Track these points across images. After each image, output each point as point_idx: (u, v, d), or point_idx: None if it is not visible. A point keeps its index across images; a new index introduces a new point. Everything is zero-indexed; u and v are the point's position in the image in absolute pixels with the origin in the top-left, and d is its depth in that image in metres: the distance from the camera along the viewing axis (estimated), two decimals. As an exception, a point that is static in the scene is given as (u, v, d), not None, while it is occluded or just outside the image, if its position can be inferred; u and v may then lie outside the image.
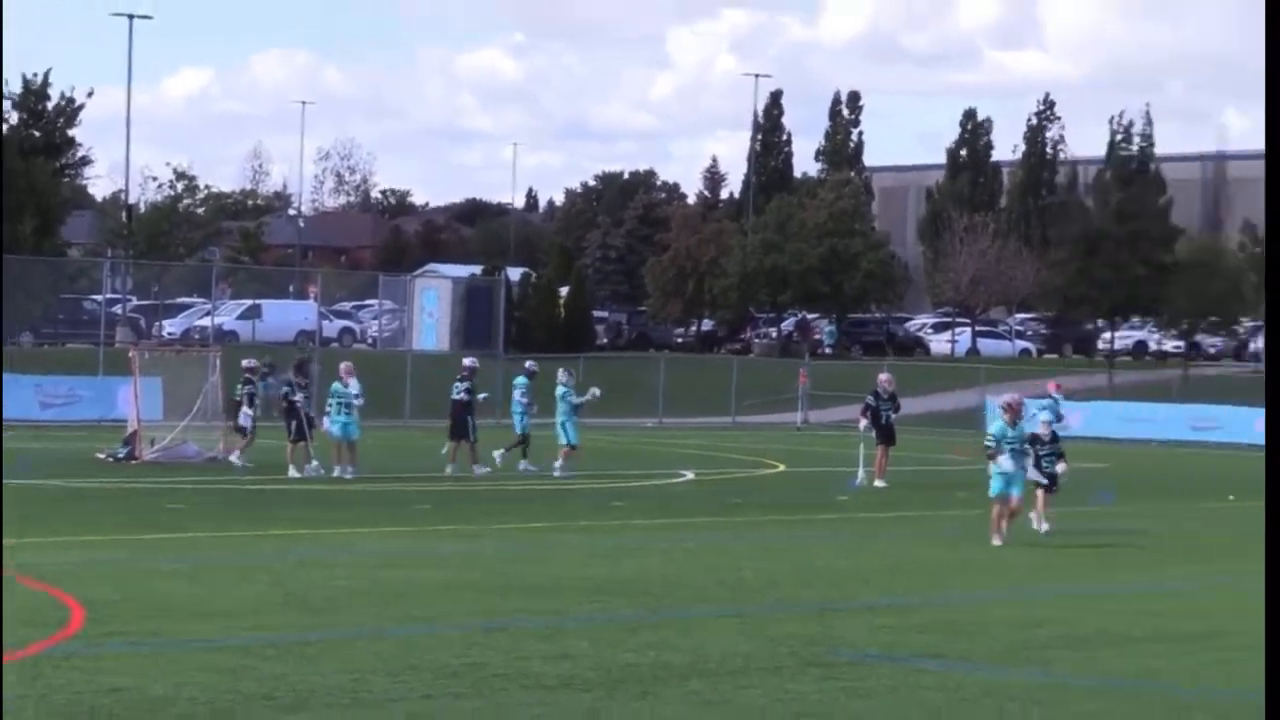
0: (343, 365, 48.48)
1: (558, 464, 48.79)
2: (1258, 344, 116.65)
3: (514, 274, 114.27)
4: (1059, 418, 49.15)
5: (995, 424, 34.18)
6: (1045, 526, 35.55)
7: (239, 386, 49.55)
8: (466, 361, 52.02)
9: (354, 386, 46.67)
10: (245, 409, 48.99)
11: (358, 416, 46.51)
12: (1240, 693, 20.24)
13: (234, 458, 48.59)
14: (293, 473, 46.60)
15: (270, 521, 36.45)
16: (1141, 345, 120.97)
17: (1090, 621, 25.71)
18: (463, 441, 49.19)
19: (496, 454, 49.85)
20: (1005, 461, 33.17)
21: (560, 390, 49.35)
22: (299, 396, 47.73)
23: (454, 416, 49.84)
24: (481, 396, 50.81)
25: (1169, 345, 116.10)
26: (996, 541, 33.56)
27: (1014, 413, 33.91)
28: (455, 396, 49.92)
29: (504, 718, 17.63)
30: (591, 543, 34.46)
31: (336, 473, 46.04)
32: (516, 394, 51.34)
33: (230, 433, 50.06)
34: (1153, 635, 24.60)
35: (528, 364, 53.95)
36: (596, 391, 50.90)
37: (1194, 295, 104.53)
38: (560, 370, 51.32)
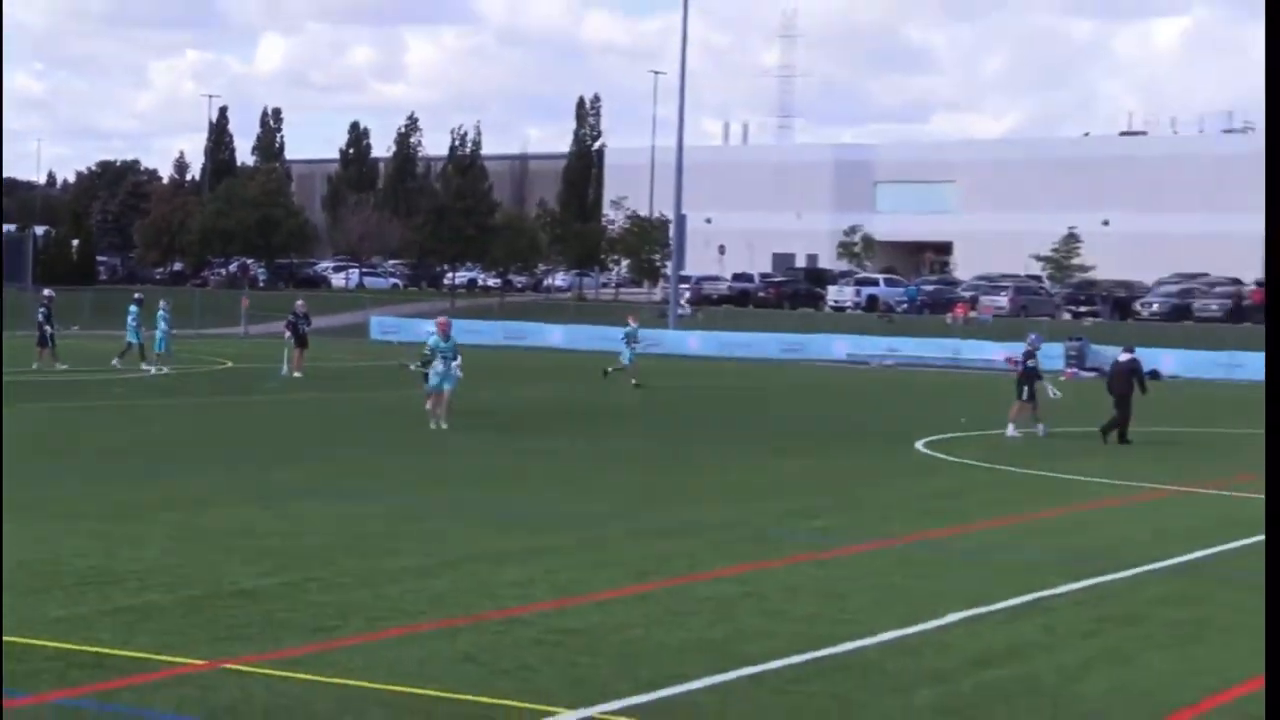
0: None
1: (152, 368, 47.31)
2: (548, 281, 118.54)
3: (40, 231, 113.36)
4: (633, 339, 49.44)
5: (432, 338, 32.65)
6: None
7: None
8: (46, 292, 51.13)
9: None
10: None
11: None
12: (482, 516, 20.47)
13: None
14: None
15: None
16: (473, 281, 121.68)
17: (433, 469, 25.82)
18: (45, 349, 47.26)
19: (115, 361, 48.13)
20: (439, 365, 32.16)
21: (160, 313, 48.27)
22: None
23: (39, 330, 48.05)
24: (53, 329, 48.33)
25: (491, 281, 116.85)
26: (432, 425, 31.67)
27: (445, 329, 33.00)
28: (39, 320, 47.95)
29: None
30: (93, 418, 33.40)
31: None
32: (130, 318, 49.43)
33: None
34: (464, 476, 24.77)
35: (136, 295, 52.25)
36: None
37: (507, 248, 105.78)
38: (161, 300, 50.24)
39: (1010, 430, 34.77)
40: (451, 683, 11.42)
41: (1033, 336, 38.57)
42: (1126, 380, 33.82)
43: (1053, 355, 66.32)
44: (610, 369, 49.37)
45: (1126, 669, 12.70)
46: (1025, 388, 35.46)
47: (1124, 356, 34.67)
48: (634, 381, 47.92)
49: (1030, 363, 36.02)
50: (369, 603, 14.23)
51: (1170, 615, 15.01)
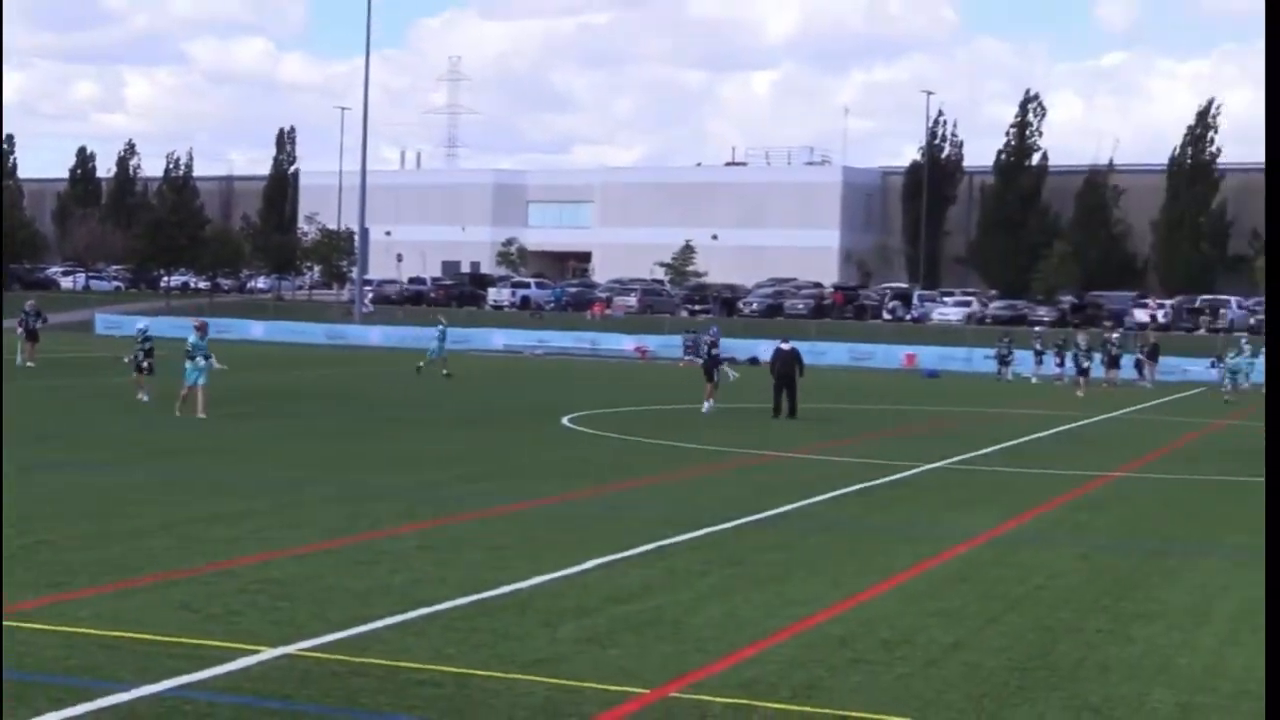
0: None
1: None
2: (251, 284, 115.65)
3: None
4: (443, 337, 48.52)
5: (192, 336, 30.74)
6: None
7: None
8: None
9: None
10: None
11: None
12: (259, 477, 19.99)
13: None
14: None
15: None
16: (186, 284, 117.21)
17: (156, 444, 25.07)
18: None
19: None
20: (200, 361, 30.40)
21: None
22: None
23: None
24: None
25: (202, 284, 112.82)
26: (177, 413, 29.57)
27: (203, 330, 31.42)
28: None
29: None
30: None
31: None
32: None
33: None
34: (184, 450, 24.12)
35: None
36: None
37: (215, 256, 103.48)
38: None
39: (706, 406, 34.96)
40: (168, 628, 11.13)
41: (714, 330, 38.39)
42: (789, 364, 34.22)
43: (674, 345, 67.56)
44: (421, 364, 48.27)
45: (731, 602, 13.00)
46: (714, 372, 35.55)
47: (785, 346, 34.77)
48: (445, 372, 46.65)
49: (714, 351, 36.06)
50: (94, 561, 13.75)
51: (766, 558, 15.42)
